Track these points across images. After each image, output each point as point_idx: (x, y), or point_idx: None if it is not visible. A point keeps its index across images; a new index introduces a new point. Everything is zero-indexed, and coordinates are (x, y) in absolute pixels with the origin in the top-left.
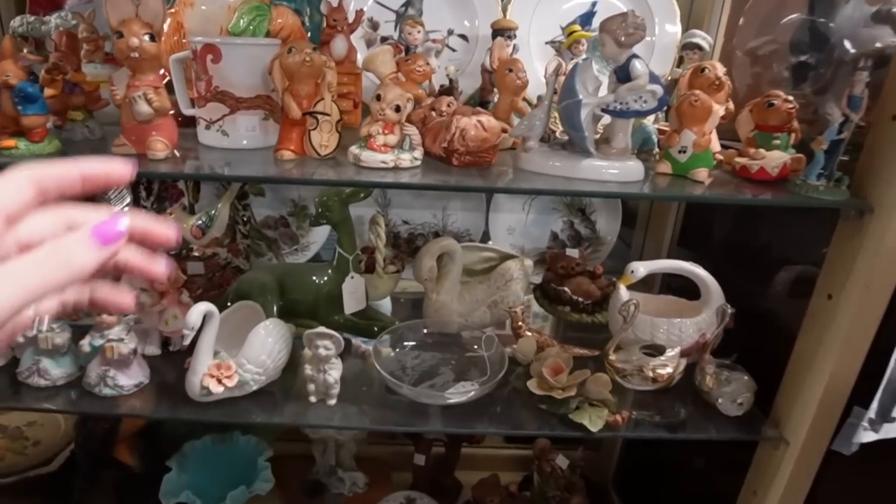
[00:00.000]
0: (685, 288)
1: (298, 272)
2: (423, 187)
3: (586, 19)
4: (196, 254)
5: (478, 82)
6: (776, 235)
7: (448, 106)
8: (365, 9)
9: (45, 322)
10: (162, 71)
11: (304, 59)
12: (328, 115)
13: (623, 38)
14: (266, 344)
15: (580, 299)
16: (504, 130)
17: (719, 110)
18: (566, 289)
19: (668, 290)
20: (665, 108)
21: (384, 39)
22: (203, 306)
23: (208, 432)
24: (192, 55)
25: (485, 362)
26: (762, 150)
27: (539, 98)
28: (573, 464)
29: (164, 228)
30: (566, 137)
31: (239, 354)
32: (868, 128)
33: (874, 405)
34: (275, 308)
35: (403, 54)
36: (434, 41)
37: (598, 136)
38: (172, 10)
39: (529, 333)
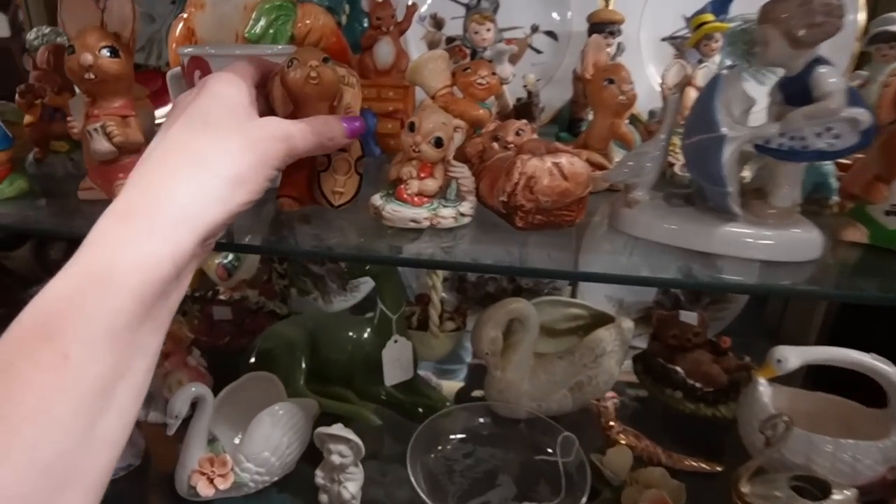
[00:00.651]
0: (846, 381)
1: (334, 326)
2: (467, 268)
3: (720, 5)
4: (223, 297)
5: (567, 93)
6: None
7: (517, 134)
8: (428, 3)
9: None
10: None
11: (310, 76)
12: (344, 150)
13: (802, 33)
14: (271, 437)
15: (697, 384)
16: (598, 166)
17: None
18: (678, 367)
19: (819, 382)
20: None
21: (450, 41)
22: (192, 390)
23: None
24: (181, 71)
25: (559, 473)
26: None
27: (652, 115)
28: None
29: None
30: (684, 176)
31: (237, 447)
32: None
33: None
34: (301, 375)
35: (468, 60)
36: (508, 41)
37: (743, 180)
38: (184, 15)
39: (623, 440)
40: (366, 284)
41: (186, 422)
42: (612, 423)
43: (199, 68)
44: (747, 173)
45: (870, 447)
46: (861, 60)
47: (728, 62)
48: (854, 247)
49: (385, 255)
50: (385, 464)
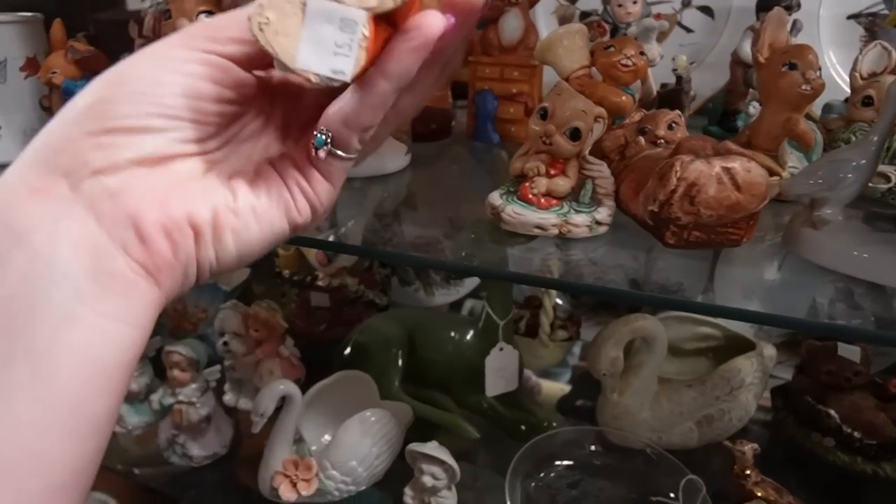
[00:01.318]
0: None
1: (435, 325)
2: (599, 292)
3: None
4: (321, 283)
5: (720, 79)
6: None
7: (669, 128)
8: None
9: None
10: None
11: None
12: None
13: None
14: (360, 446)
15: (855, 433)
16: (771, 173)
17: None
18: (832, 410)
19: None
20: None
21: (585, 16)
22: (279, 388)
23: None
24: None
25: None
26: None
27: (828, 109)
28: None
29: None
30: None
31: (323, 452)
32: None
33: None
34: (397, 375)
35: (608, 37)
36: (658, 17)
37: None
38: None
39: (761, 493)
40: (471, 280)
41: (273, 418)
42: (748, 472)
43: None
44: None
45: None
46: None
47: None
48: None
49: (498, 269)
50: (480, 483)
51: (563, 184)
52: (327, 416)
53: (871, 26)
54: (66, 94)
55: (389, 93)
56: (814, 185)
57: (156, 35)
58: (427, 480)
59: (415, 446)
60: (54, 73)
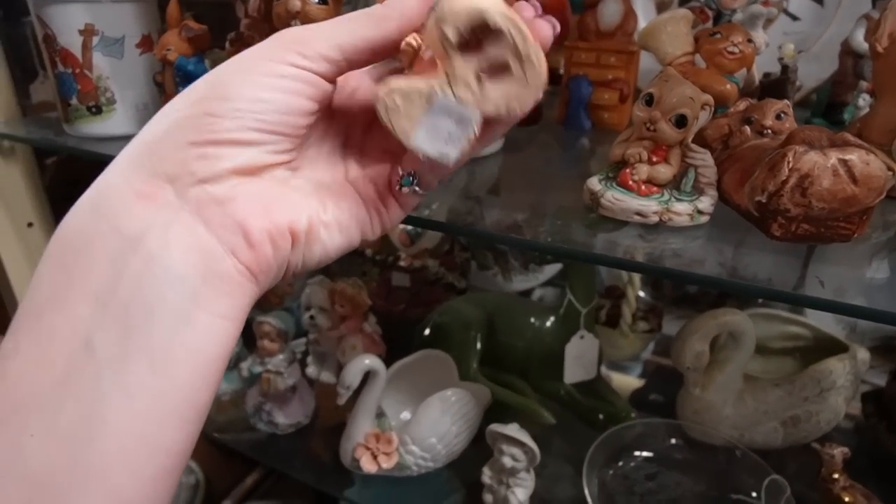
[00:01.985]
0: None
1: (515, 310)
2: (703, 281)
3: None
4: (403, 264)
5: (826, 70)
6: None
7: (777, 118)
8: None
9: None
10: None
11: None
12: None
13: None
14: (440, 424)
15: None
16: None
17: None
18: None
19: None
20: None
21: (685, 2)
22: (365, 362)
23: None
24: None
25: None
26: None
27: None
28: None
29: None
30: None
31: (404, 428)
32: None
33: None
34: (475, 357)
35: (710, 24)
36: (766, 3)
37: None
38: None
39: (849, 498)
40: (550, 266)
41: (357, 391)
42: (836, 476)
43: None
44: None
45: None
46: None
47: None
48: None
49: (599, 255)
50: (555, 469)
51: (664, 171)
52: (407, 394)
53: None
54: (179, 70)
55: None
56: None
57: (261, 15)
58: (507, 461)
59: (496, 427)
60: (169, 49)
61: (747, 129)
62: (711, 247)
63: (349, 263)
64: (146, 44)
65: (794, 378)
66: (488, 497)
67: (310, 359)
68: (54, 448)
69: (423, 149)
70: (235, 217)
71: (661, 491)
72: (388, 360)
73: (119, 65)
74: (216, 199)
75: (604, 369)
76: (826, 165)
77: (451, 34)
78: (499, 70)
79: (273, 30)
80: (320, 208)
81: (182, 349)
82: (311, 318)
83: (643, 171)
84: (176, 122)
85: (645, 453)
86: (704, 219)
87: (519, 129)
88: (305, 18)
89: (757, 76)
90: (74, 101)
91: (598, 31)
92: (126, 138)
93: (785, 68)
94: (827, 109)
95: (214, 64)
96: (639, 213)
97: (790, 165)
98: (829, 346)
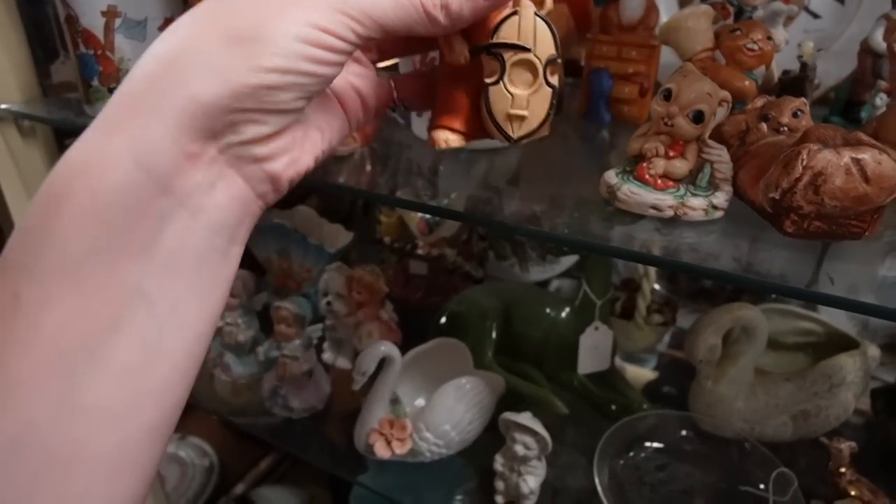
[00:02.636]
0: None
1: (531, 300)
2: (715, 275)
3: None
4: (421, 252)
5: (845, 69)
6: None
7: (794, 116)
8: None
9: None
10: None
11: None
12: (526, 49)
13: None
14: (454, 411)
15: None
16: None
17: None
18: None
19: None
20: None
21: None
22: (381, 349)
23: None
24: None
25: None
26: None
27: None
28: None
29: None
30: None
31: (418, 414)
32: None
33: None
34: (491, 346)
35: (731, 20)
36: (787, 1)
37: None
38: None
39: (855, 492)
40: (567, 258)
41: (373, 378)
42: (843, 470)
43: None
44: None
45: None
46: None
47: None
48: None
49: (612, 247)
50: (567, 459)
51: (681, 166)
52: (422, 381)
53: None
54: None
55: None
56: None
57: None
58: (519, 449)
59: (509, 415)
60: None
61: (764, 126)
62: (726, 242)
63: (367, 251)
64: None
65: (805, 373)
66: (500, 484)
67: (326, 344)
68: (110, 381)
69: None
70: (270, 172)
71: (671, 482)
72: (405, 348)
73: (141, 47)
74: (256, 157)
75: (619, 361)
76: (839, 164)
77: None
78: None
79: None
80: (321, 137)
81: (221, 280)
82: (329, 303)
83: (660, 165)
84: (234, 90)
85: (656, 444)
86: (719, 214)
87: None
88: None
89: (776, 73)
90: (96, 82)
91: (619, 24)
92: None
93: (804, 66)
94: (845, 108)
95: None
96: (654, 207)
97: (804, 163)
98: (840, 343)
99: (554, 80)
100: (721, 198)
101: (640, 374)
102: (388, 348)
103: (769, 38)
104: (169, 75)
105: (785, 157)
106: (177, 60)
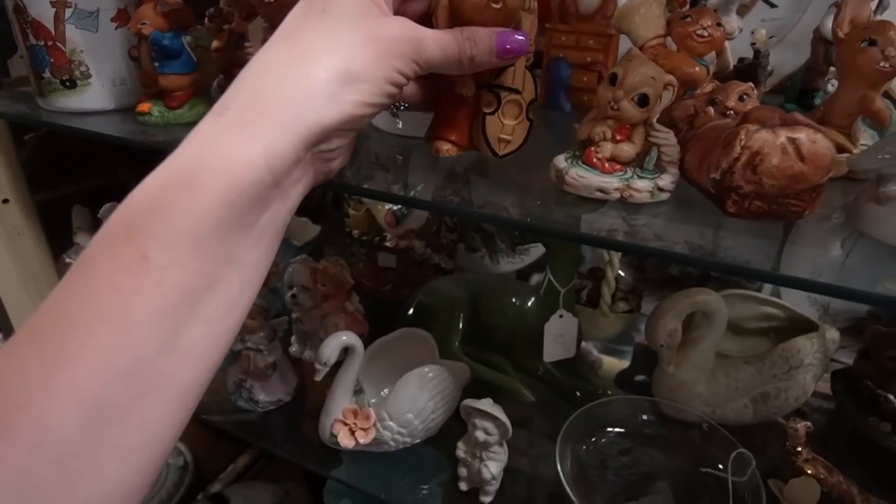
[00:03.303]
0: None
1: (499, 290)
2: (657, 254)
3: None
4: (389, 244)
5: (802, 57)
6: None
7: (740, 99)
8: None
9: None
10: None
11: None
12: (517, 91)
13: None
14: (417, 399)
15: None
16: (840, 150)
17: None
18: (892, 396)
19: None
20: None
21: None
22: (342, 338)
23: None
24: None
25: (727, 493)
26: None
27: None
28: None
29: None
30: None
31: (382, 404)
32: None
33: None
34: (457, 336)
35: (687, 7)
36: None
37: None
38: None
39: (811, 470)
40: (536, 249)
41: (337, 367)
42: (799, 449)
43: None
44: None
45: None
46: None
47: None
48: None
49: (557, 228)
50: (531, 445)
51: (628, 149)
52: (387, 372)
53: None
54: (154, 44)
55: None
56: (881, 160)
57: None
58: (480, 435)
59: (469, 402)
60: (144, 23)
61: (711, 110)
62: (671, 223)
63: (337, 245)
64: (122, 17)
65: (764, 356)
66: (462, 471)
67: (293, 338)
68: (198, 329)
69: None
70: (332, 168)
71: (634, 465)
72: (373, 340)
73: (94, 38)
74: (328, 159)
75: (595, 353)
76: (775, 143)
77: None
78: None
79: (253, 6)
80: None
81: (278, 245)
82: (294, 296)
83: (607, 149)
84: (345, 118)
85: (619, 429)
86: (665, 196)
87: None
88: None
89: (732, 61)
90: (48, 74)
91: (577, 13)
92: (102, 113)
93: (757, 53)
94: (800, 95)
95: (197, 41)
96: (600, 190)
97: (742, 143)
98: (801, 327)
99: (531, 116)
100: (667, 180)
101: (615, 363)
102: (349, 337)
103: (719, 24)
104: (298, 99)
105: (725, 138)
106: (306, 87)
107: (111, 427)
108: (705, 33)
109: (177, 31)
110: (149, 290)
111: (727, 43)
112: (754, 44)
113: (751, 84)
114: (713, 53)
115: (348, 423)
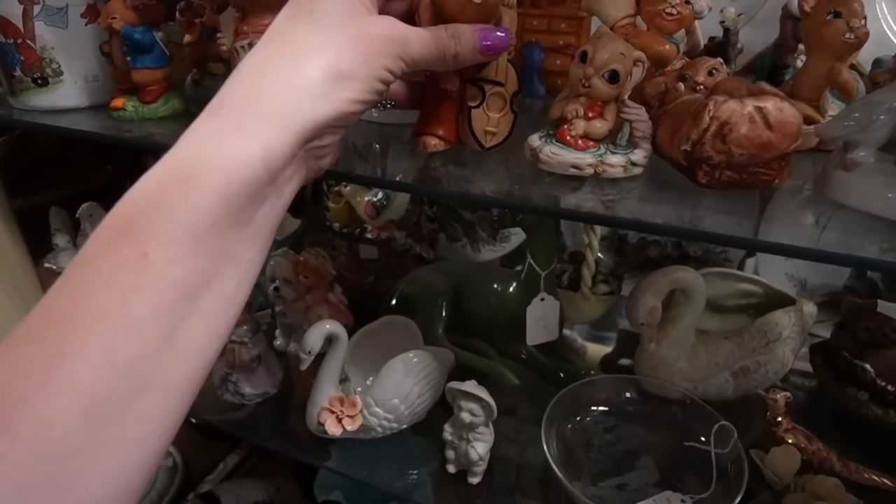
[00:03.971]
0: None
1: (480, 277)
2: (632, 225)
3: None
4: (370, 236)
5: (772, 35)
6: None
7: (709, 74)
8: None
9: None
10: None
11: None
12: (501, 84)
13: None
14: (403, 385)
15: (889, 387)
16: (807, 120)
17: None
18: (868, 365)
19: None
20: None
21: None
22: (325, 327)
23: None
24: None
25: (710, 465)
26: None
27: (877, 64)
28: None
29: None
30: None
31: (368, 391)
32: None
33: None
34: (441, 323)
35: None
36: None
37: None
38: None
39: (791, 439)
40: (517, 236)
41: (322, 357)
42: (779, 419)
43: None
44: None
45: None
46: None
47: None
48: None
49: (534, 204)
50: (518, 427)
51: (600, 126)
52: (372, 359)
53: None
54: (126, 39)
55: None
56: (847, 126)
57: None
58: (465, 417)
59: (454, 384)
60: (114, 18)
61: (681, 85)
62: (644, 197)
63: (318, 238)
64: (92, 13)
65: (743, 331)
66: (450, 453)
67: (277, 331)
68: (195, 325)
69: None
70: (322, 165)
71: (619, 442)
72: (355, 332)
73: (64, 35)
74: (320, 156)
75: (580, 340)
76: (743, 113)
77: None
78: None
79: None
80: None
81: (272, 240)
82: (276, 289)
83: (580, 126)
84: (338, 114)
85: (602, 408)
86: (638, 170)
87: None
88: None
89: (702, 40)
90: (18, 72)
91: None
92: (76, 111)
93: (727, 31)
94: (770, 72)
95: (169, 37)
96: (574, 166)
97: (711, 114)
98: (779, 303)
99: (516, 108)
100: (640, 155)
101: (599, 350)
102: (333, 326)
103: (688, 2)
104: (292, 97)
105: (695, 109)
106: (299, 86)
107: (111, 424)
108: (674, 11)
109: (148, 25)
110: (148, 287)
111: (697, 22)
112: (723, 21)
113: (720, 59)
114: (683, 31)
115: (335, 411)
